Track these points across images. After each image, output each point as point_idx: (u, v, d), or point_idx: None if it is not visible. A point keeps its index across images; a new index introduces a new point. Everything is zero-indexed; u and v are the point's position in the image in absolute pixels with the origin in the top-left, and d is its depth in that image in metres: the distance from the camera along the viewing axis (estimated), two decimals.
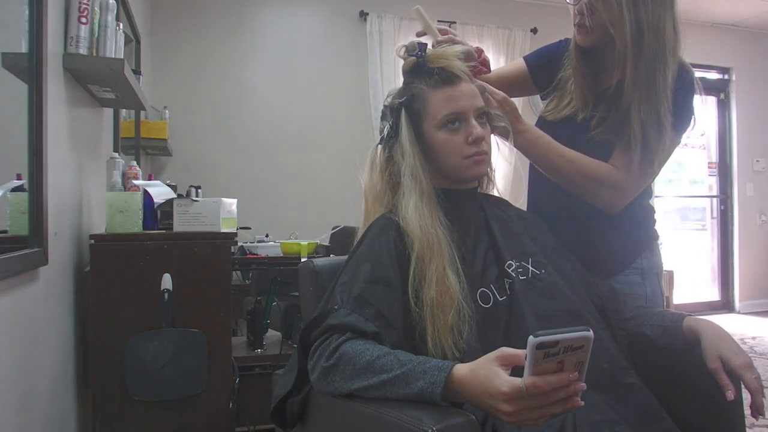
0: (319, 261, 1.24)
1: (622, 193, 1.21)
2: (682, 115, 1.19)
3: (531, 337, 0.67)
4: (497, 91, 1.17)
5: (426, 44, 1.09)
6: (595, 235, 1.26)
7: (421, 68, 1.08)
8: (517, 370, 0.74)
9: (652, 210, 1.35)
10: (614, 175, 1.19)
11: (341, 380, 0.86)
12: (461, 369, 0.79)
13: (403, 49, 1.10)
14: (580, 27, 1.21)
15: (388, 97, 1.14)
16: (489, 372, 0.75)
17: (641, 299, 1.26)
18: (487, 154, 1.08)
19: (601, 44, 1.22)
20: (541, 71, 1.40)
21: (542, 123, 1.33)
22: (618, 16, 1.12)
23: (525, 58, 1.44)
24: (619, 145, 1.19)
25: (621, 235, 1.27)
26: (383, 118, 1.12)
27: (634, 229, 1.30)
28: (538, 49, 1.44)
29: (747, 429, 1.04)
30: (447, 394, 0.79)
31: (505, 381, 0.73)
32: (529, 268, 1.07)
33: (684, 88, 1.18)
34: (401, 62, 1.13)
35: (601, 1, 1.14)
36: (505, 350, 0.76)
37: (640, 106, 1.14)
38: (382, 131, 1.12)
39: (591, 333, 0.69)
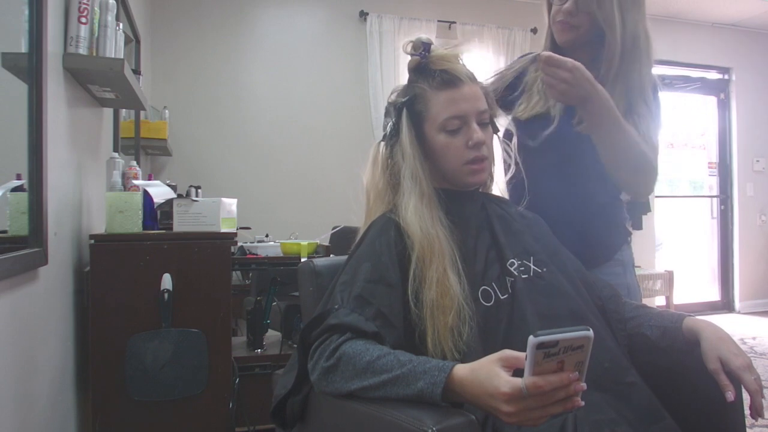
0: (319, 261, 1.24)
1: (656, 175, 1.27)
2: (657, 112, 1.30)
3: (531, 337, 0.67)
4: (563, 59, 1.12)
5: (430, 44, 1.07)
6: (586, 235, 1.30)
7: (424, 68, 1.08)
8: (517, 372, 0.74)
9: (624, 205, 1.42)
10: (653, 159, 1.25)
11: (341, 380, 0.86)
12: (462, 369, 0.79)
13: (410, 45, 1.09)
14: (564, 24, 1.29)
15: (392, 93, 1.13)
16: (490, 372, 0.75)
17: (623, 289, 1.30)
18: (488, 159, 1.08)
19: (577, 45, 1.30)
20: (506, 91, 1.42)
21: (516, 123, 1.36)
22: (610, 17, 1.23)
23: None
24: None
25: (609, 232, 1.37)
26: (387, 114, 1.12)
27: (616, 224, 1.39)
28: (500, 72, 1.47)
29: (747, 429, 1.04)
30: (447, 395, 0.78)
31: (505, 381, 0.73)
32: (530, 267, 1.07)
33: (653, 93, 1.31)
34: (401, 62, 1.13)
35: (596, 2, 1.23)
36: (508, 352, 0.76)
37: (619, 99, 1.23)
38: (385, 128, 1.11)
39: (591, 333, 0.69)
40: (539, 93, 1.34)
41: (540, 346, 0.67)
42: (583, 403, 0.74)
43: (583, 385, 0.72)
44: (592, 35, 1.28)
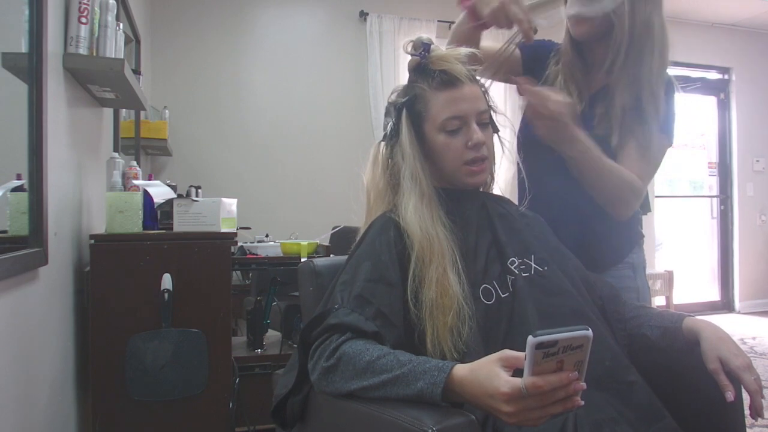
0: (319, 261, 1.24)
1: (642, 199, 1.26)
2: (668, 118, 1.26)
3: (530, 337, 0.67)
4: (553, 96, 1.13)
5: (430, 45, 1.07)
6: (595, 235, 1.29)
7: (424, 68, 1.08)
8: (517, 372, 0.74)
9: (639, 208, 1.40)
10: (639, 183, 1.24)
11: (341, 380, 0.86)
12: (461, 369, 0.79)
13: (410, 45, 1.09)
14: (579, 16, 1.26)
15: (392, 93, 1.13)
16: (489, 372, 0.75)
17: (633, 292, 1.30)
18: (487, 159, 1.08)
19: (594, 39, 1.28)
20: (532, 64, 1.40)
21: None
22: (620, 6, 1.20)
23: (520, 47, 1.43)
24: (628, 152, 1.24)
25: (618, 233, 1.33)
26: (387, 114, 1.12)
27: (627, 227, 1.35)
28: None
29: (747, 429, 1.04)
30: (447, 395, 0.79)
31: (505, 381, 0.73)
32: (531, 265, 1.07)
33: (666, 94, 1.27)
34: (401, 62, 1.13)
35: None
36: (508, 352, 0.76)
37: (624, 90, 1.23)
38: (385, 127, 1.11)
39: (590, 332, 0.69)
40: (560, 91, 1.32)
41: (539, 345, 0.67)
42: (583, 402, 0.74)
43: (583, 385, 0.72)
44: (606, 27, 1.24)
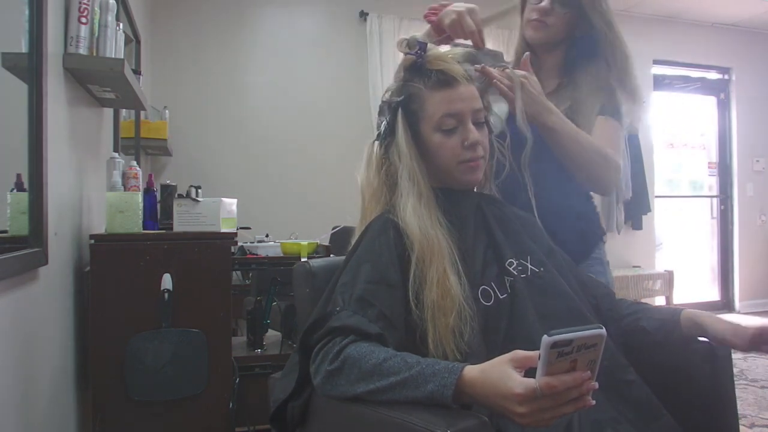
0: (315, 262, 1.23)
1: (619, 171, 1.32)
2: (619, 106, 1.37)
3: (545, 337, 0.67)
4: (522, 72, 1.22)
5: (426, 44, 1.06)
6: (564, 230, 1.30)
7: (420, 68, 1.07)
8: (529, 372, 0.73)
9: (594, 204, 1.48)
10: (612, 153, 1.30)
11: (346, 384, 0.85)
12: (472, 371, 0.78)
13: (405, 43, 1.08)
14: (539, 22, 1.36)
15: (386, 92, 1.12)
16: (502, 373, 0.74)
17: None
18: (483, 159, 1.07)
19: (547, 45, 1.39)
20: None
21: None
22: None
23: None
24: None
25: (578, 226, 1.40)
26: (380, 113, 1.11)
27: (588, 220, 1.43)
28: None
29: (748, 429, 1.04)
30: (457, 396, 0.78)
31: (518, 382, 0.72)
32: (528, 267, 1.07)
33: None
34: (401, 59, 1.12)
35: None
36: (519, 353, 0.76)
37: (583, 86, 1.34)
38: (378, 127, 1.11)
39: (603, 331, 0.69)
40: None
41: (554, 345, 0.67)
42: (594, 402, 0.74)
43: (595, 384, 0.72)
44: (563, 35, 1.35)
